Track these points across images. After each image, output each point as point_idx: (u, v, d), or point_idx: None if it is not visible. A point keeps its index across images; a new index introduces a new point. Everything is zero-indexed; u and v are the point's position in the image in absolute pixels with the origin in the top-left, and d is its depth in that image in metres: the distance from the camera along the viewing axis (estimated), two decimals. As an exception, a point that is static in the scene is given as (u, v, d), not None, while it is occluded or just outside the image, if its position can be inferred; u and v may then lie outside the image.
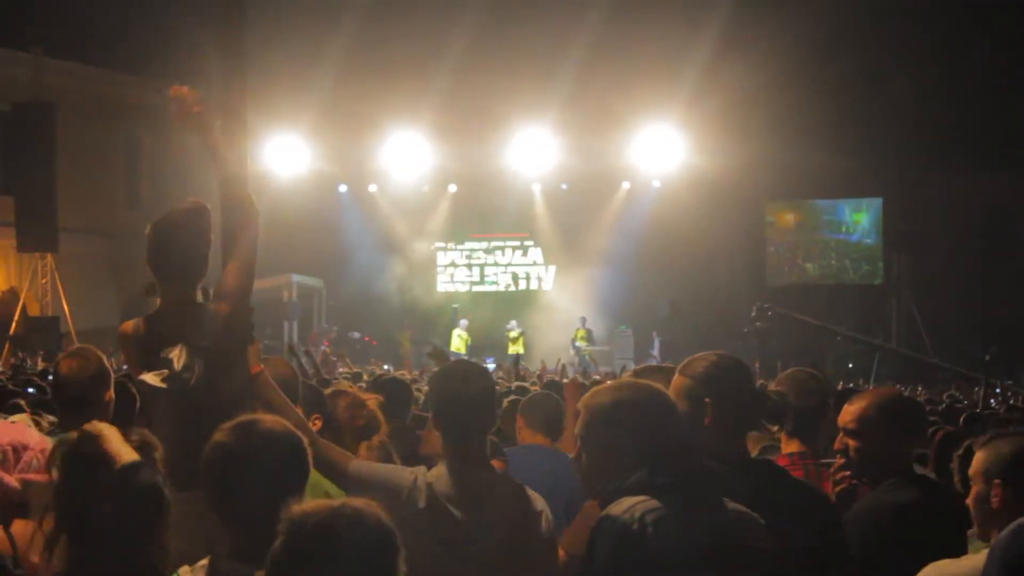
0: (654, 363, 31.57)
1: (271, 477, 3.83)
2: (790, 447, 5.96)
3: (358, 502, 3.33)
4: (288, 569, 3.24)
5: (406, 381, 9.97)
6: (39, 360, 22.90)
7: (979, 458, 4.63)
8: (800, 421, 5.76)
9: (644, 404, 4.18)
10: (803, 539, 4.37)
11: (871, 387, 6.83)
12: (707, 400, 4.51)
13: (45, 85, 30.67)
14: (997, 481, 4.45)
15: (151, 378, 5.37)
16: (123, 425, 5.29)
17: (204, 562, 3.92)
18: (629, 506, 3.91)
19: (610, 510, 3.97)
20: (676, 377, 4.64)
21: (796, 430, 5.85)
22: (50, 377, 9.25)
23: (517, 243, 38.81)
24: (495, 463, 6.15)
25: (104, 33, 32.29)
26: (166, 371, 5.33)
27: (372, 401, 7.03)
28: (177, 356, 5.31)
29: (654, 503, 3.91)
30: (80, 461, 4.04)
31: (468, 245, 39.10)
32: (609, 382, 4.74)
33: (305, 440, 4.01)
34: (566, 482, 6.26)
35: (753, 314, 31.61)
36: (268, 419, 3.97)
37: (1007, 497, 4.42)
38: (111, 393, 5.97)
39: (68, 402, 5.97)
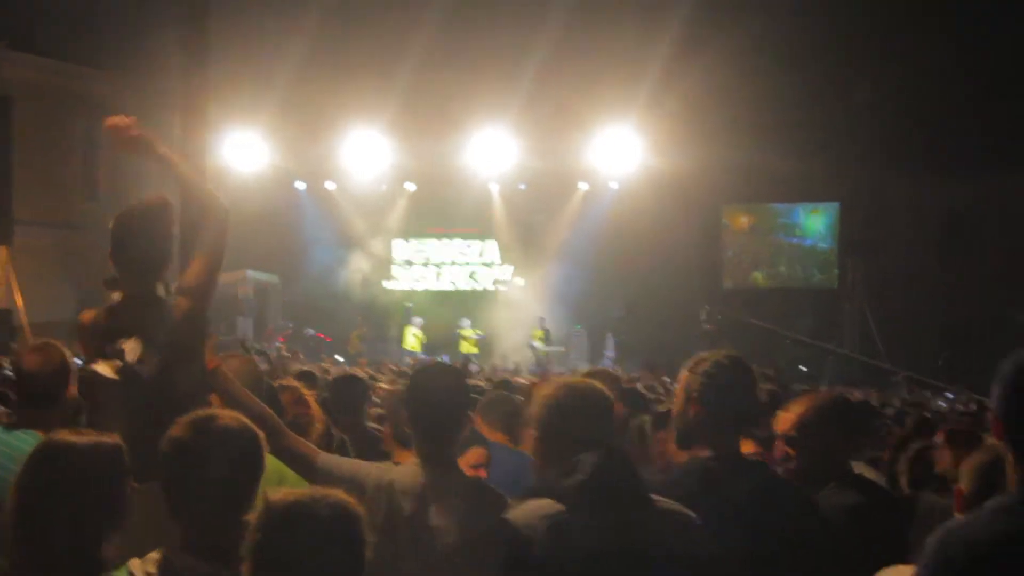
0: (608, 363, 31.76)
1: (226, 473, 3.85)
2: (746, 447, 5.98)
3: (329, 490, 3.44)
4: (263, 553, 3.35)
5: (362, 379, 10.00)
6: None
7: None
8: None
9: (573, 403, 4.24)
10: (794, 540, 4.42)
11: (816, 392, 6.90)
12: (705, 399, 4.57)
13: (3, 78, 30.49)
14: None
15: (103, 368, 5.36)
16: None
17: (155, 555, 3.90)
18: (528, 511, 3.95)
19: (511, 514, 4.00)
20: (683, 374, 4.70)
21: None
22: (7, 371, 9.21)
23: (475, 239, 38.61)
24: (476, 451, 6.22)
25: (63, 25, 32.11)
26: (119, 362, 5.33)
27: (311, 398, 7.09)
28: (131, 348, 5.31)
29: (555, 507, 3.93)
30: (45, 462, 4.08)
31: (426, 243, 38.95)
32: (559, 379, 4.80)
33: (261, 436, 4.03)
34: (527, 481, 6.30)
35: (702, 317, 31.76)
36: (225, 415, 4.00)
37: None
38: (73, 389, 5.95)
39: (31, 397, 5.96)
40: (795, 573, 4.41)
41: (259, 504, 3.47)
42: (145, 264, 5.53)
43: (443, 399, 4.97)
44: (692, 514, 4.13)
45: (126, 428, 4.94)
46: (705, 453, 4.58)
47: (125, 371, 5.30)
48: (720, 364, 4.65)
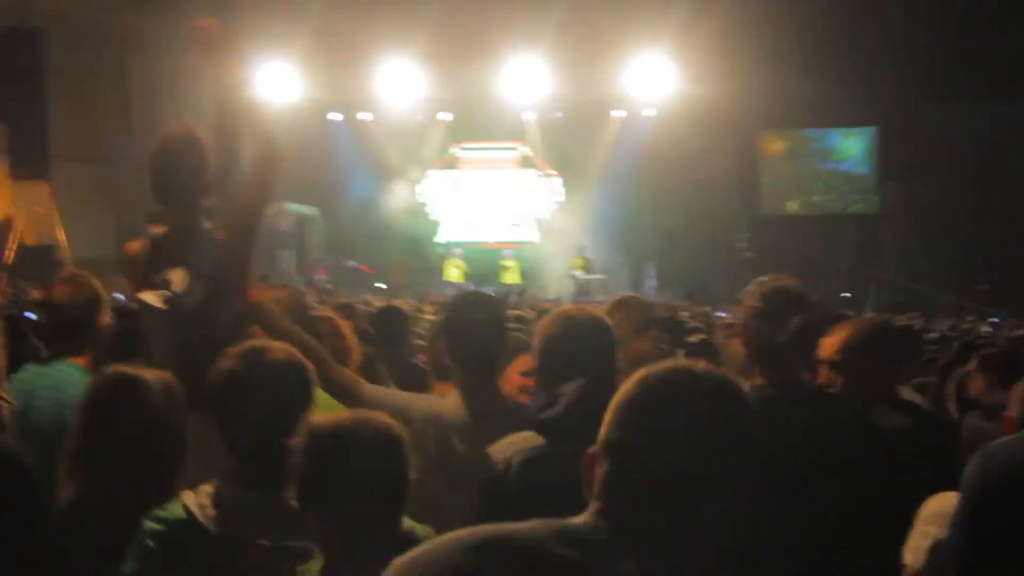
0: (651, 292, 31.78)
1: (276, 405, 3.87)
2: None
3: (372, 414, 3.60)
4: (310, 474, 3.48)
5: (403, 310, 9.95)
6: (33, 289, 22.82)
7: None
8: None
9: (563, 332, 4.19)
10: (855, 464, 4.37)
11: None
12: (751, 330, 4.52)
13: (32, 9, 30.42)
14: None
15: (151, 297, 5.40)
16: (126, 354, 5.31)
17: (207, 487, 3.93)
18: (505, 445, 3.90)
19: (491, 448, 3.96)
20: (744, 299, 4.69)
21: None
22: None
23: (513, 150, 38.35)
24: (524, 358, 6.15)
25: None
26: (167, 292, 5.33)
27: (347, 329, 7.06)
28: (178, 279, 5.31)
29: (533, 441, 3.87)
30: (104, 401, 4.15)
31: (461, 173, 38.84)
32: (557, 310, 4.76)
33: (311, 368, 4.01)
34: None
35: (742, 245, 31.68)
36: (275, 347, 4.00)
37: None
38: (105, 318, 5.93)
39: (62, 327, 5.93)
40: (853, 498, 4.35)
41: (303, 430, 3.57)
42: (185, 196, 5.52)
43: (481, 329, 4.93)
44: None
45: (175, 357, 4.97)
46: (760, 381, 4.52)
47: (172, 301, 5.34)
48: (765, 295, 4.58)
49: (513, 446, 3.92)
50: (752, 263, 30.42)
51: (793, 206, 38.10)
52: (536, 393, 4.40)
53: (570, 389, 3.94)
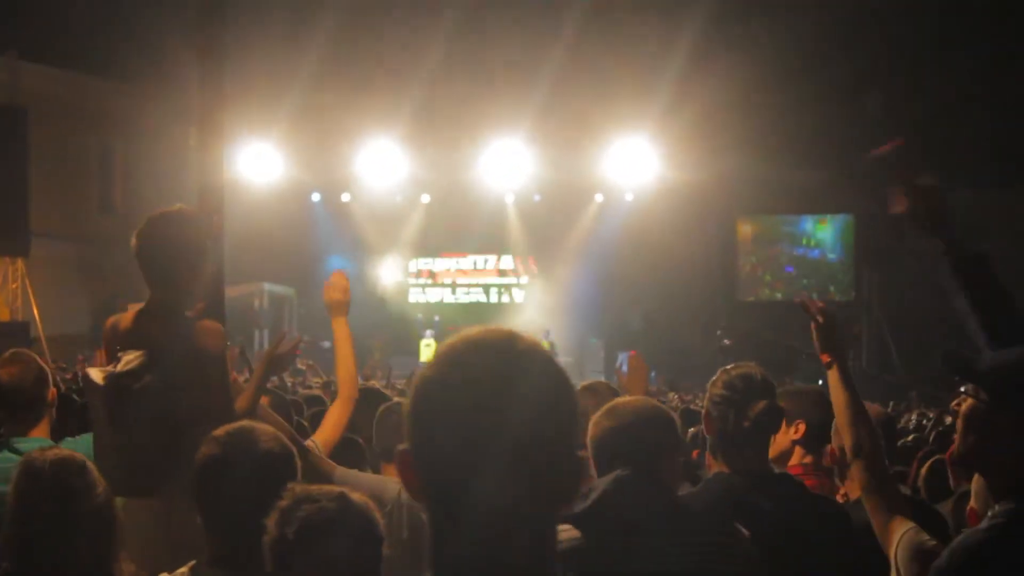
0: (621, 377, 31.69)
1: (264, 490, 3.83)
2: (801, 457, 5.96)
3: (343, 491, 3.54)
4: (287, 551, 3.43)
5: (381, 391, 9.97)
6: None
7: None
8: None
9: (611, 422, 4.18)
10: (826, 554, 4.40)
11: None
12: (717, 417, 4.55)
13: (19, 88, 30.53)
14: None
15: (94, 372, 5.37)
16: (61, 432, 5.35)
17: (184, 570, 3.89)
18: None
19: None
20: (709, 388, 4.69)
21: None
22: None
23: (492, 256, 38.78)
24: None
25: (79, 37, 32.15)
26: (108, 369, 5.32)
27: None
28: (128, 359, 5.29)
29: (569, 533, 3.87)
30: (35, 483, 4.14)
31: (440, 264, 39.10)
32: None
33: (296, 455, 4.01)
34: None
35: (719, 333, 31.72)
36: (265, 432, 3.96)
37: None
38: (53, 393, 5.96)
39: (11, 408, 5.94)
40: None
41: (280, 503, 3.52)
42: (165, 277, 5.50)
43: None
44: (742, 537, 4.07)
45: (112, 436, 4.97)
46: (725, 470, 4.56)
47: (111, 379, 5.27)
48: (730, 382, 4.63)
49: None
50: (729, 350, 30.44)
51: (767, 292, 38.21)
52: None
53: (603, 481, 3.95)
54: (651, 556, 3.88)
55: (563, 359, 32.52)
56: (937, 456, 7.94)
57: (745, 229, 38.43)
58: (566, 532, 3.85)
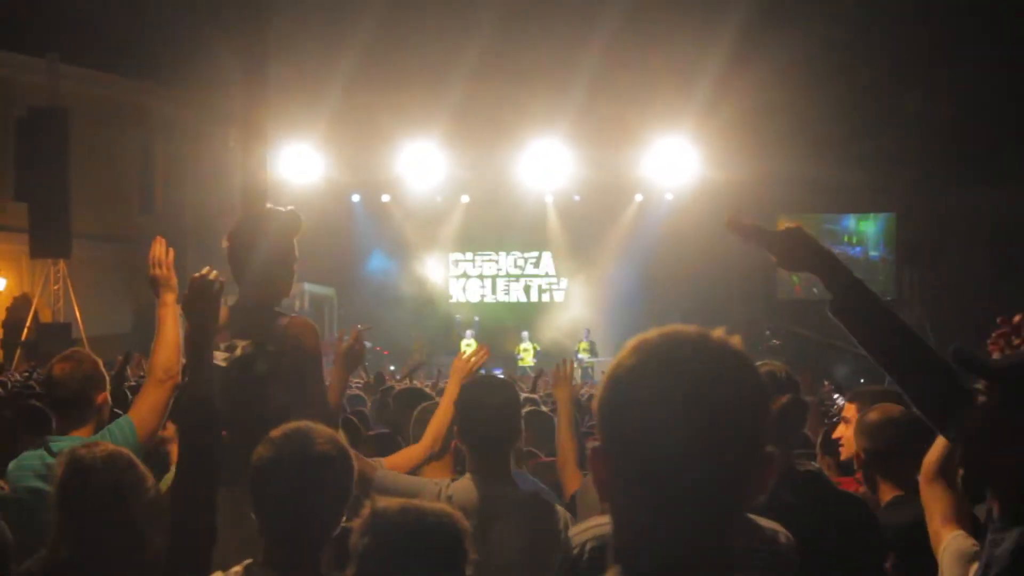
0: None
1: (321, 495, 3.82)
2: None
3: (439, 505, 3.58)
4: (375, 563, 3.41)
5: (424, 392, 10.00)
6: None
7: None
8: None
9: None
10: (850, 550, 4.38)
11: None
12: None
13: (60, 91, 30.69)
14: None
15: (218, 356, 5.41)
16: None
17: (238, 568, 3.89)
18: (583, 529, 3.88)
19: (572, 528, 3.95)
20: None
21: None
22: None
23: (532, 254, 38.81)
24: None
25: (119, 39, 32.27)
26: (228, 355, 5.37)
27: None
28: (242, 347, 5.33)
29: (608, 527, 3.87)
30: (84, 479, 4.16)
31: (479, 256, 39.13)
32: None
33: (354, 459, 4.00)
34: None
35: (767, 333, 31.64)
36: (322, 434, 3.93)
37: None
38: (105, 396, 5.98)
39: (59, 403, 6.00)
40: None
41: (367, 510, 3.48)
42: (256, 274, 5.53)
43: (491, 413, 4.93)
44: (782, 539, 4.05)
45: (231, 421, 5.00)
46: None
47: (232, 363, 5.32)
48: (766, 375, 4.62)
49: (592, 530, 3.89)
50: (777, 350, 30.38)
51: (807, 291, 38.09)
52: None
53: None
54: None
55: (603, 359, 32.90)
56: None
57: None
58: (603, 526, 3.85)
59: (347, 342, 5.95)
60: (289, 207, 5.68)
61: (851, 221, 38.04)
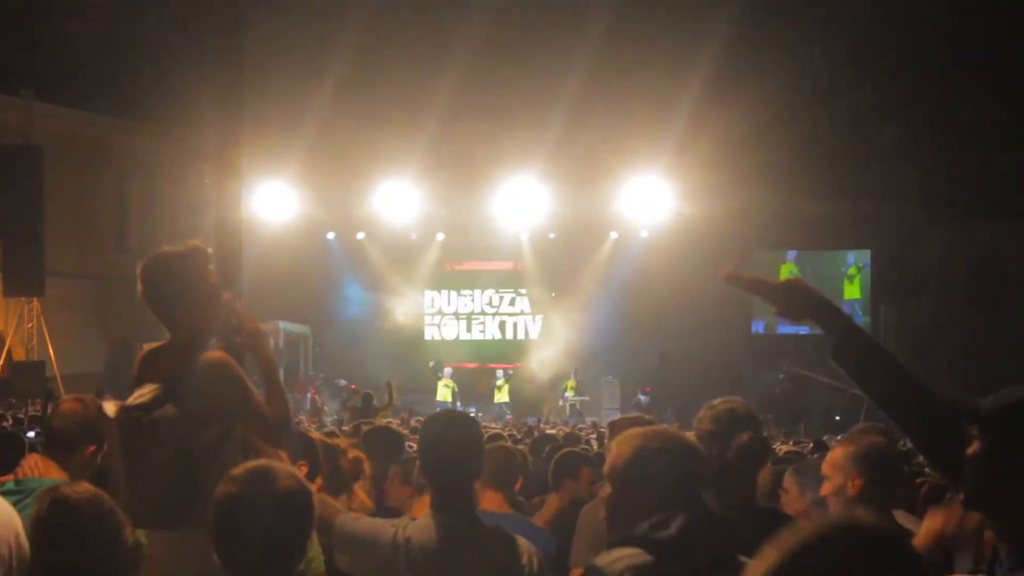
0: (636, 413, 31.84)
1: (284, 531, 3.80)
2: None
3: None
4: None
5: (395, 430, 9.91)
6: (30, 406, 22.78)
7: (837, 454, 5.16)
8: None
9: (668, 453, 4.13)
10: None
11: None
12: (707, 448, 4.53)
13: (34, 129, 30.65)
14: (855, 477, 5.12)
15: (108, 406, 5.36)
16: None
17: None
18: (615, 559, 3.86)
19: (597, 560, 3.93)
20: (696, 423, 4.68)
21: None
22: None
23: (508, 293, 38.82)
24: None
25: (92, 77, 32.26)
26: (120, 403, 5.30)
27: (346, 445, 7.04)
28: (140, 392, 5.26)
29: (642, 557, 3.84)
30: (40, 525, 4.14)
31: (455, 296, 39.13)
32: (636, 429, 4.66)
33: (313, 495, 3.97)
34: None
35: (780, 377, 31.78)
36: (282, 471, 3.91)
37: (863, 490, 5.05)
38: (93, 450, 5.96)
39: (52, 438, 6.06)
40: None
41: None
42: (169, 315, 5.46)
43: (453, 447, 4.89)
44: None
45: (126, 469, 4.97)
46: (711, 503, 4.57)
47: (122, 412, 5.24)
48: (714, 417, 4.64)
49: (623, 560, 3.87)
50: (786, 392, 30.84)
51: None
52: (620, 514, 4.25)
53: (681, 515, 3.92)
54: None
55: (581, 398, 32.93)
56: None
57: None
58: (639, 555, 3.83)
59: (242, 331, 5.80)
60: (190, 243, 5.56)
61: (828, 262, 38.16)
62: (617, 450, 4.17)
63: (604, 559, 3.88)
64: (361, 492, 6.74)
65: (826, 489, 5.22)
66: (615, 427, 6.10)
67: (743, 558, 4.00)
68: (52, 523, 4.16)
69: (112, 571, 4.15)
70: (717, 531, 4.00)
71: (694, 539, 3.88)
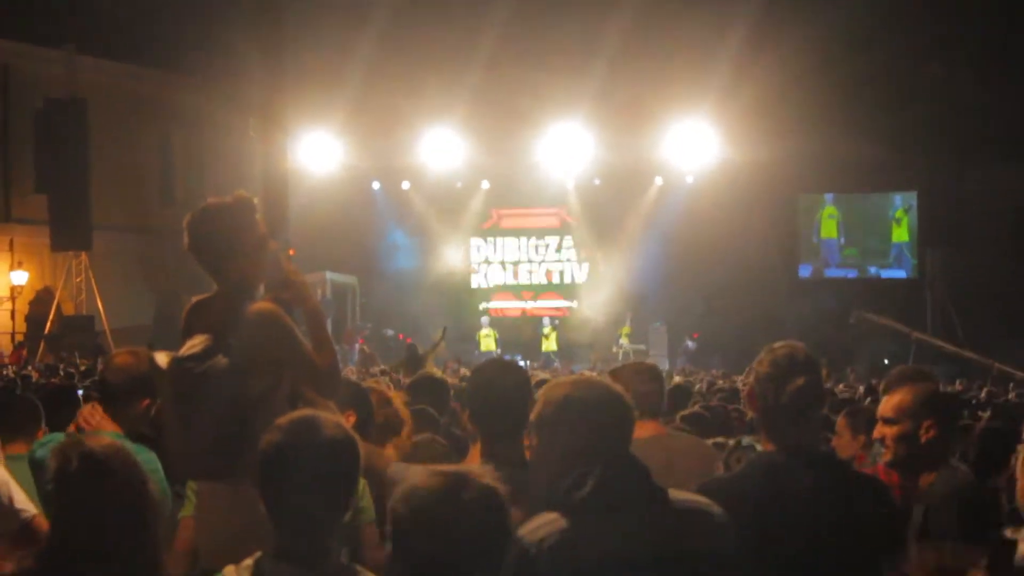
0: (685, 360, 32.02)
1: (330, 481, 3.79)
2: None
3: (476, 473, 3.60)
4: (411, 530, 3.49)
5: (441, 379, 9.87)
6: (76, 359, 22.93)
7: (906, 399, 5.05)
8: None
9: (592, 403, 4.10)
10: (868, 531, 4.35)
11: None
12: (758, 396, 4.51)
13: (78, 82, 30.74)
14: (928, 422, 4.99)
15: (160, 356, 5.35)
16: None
17: (248, 561, 3.81)
18: (535, 527, 3.83)
19: (520, 530, 3.90)
20: (754, 364, 4.65)
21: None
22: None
23: (553, 238, 38.77)
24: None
25: (136, 30, 32.32)
26: (173, 354, 5.30)
27: (397, 399, 7.01)
28: (191, 343, 5.26)
29: (561, 523, 3.80)
30: (60, 476, 4.11)
31: (501, 243, 39.10)
32: (563, 378, 4.62)
33: (360, 444, 3.95)
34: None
35: (852, 321, 31.78)
36: (327, 421, 3.89)
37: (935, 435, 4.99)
38: (147, 403, 5.97)
39: (107, 391, 6.10)
40: (868, 561, 4.39)
41: (400, 489, 3.53)
42: (217, 267, 5.44)
43: (502, 396, 4.87)
44: (716, 510, 4.03)
45: (177, 419, 4.98)
46: (770, 447, 4.53)
47: (174, 363, 5.24)
48: (773, 361, 4.57)
49: (544, 528, 3.85)
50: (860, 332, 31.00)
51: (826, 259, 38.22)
52: (545, 469, 4.23)
53: (596, 469, 3.89)
54: (644, 535, 3.87)
55: (638, 346, 32.97)
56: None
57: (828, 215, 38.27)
58: (558, 521, 3.82)
59: (287, 284, 5.77)
60: (236, 193, 5.53)
61: (876, 202, 37.98)
62: (544, 399, 4.15)
63: (525, 528, 3.87)
64: (391, 447, 6.71)
65: (887, 433, 5.16)
66: (617, 375, 6.14)
67: (675, 496, 3.99)
68: (78, 477, 4.14)
69: (138, 525, 4.13)
70: (636, 480, 3.97)
71: (610, 493, 3.84)
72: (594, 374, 6.36)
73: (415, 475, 3.50)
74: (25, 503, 5.30)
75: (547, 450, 4.10)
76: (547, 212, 38.55)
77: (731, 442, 7.63)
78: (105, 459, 4.11)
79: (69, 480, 4.08)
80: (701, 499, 4.07)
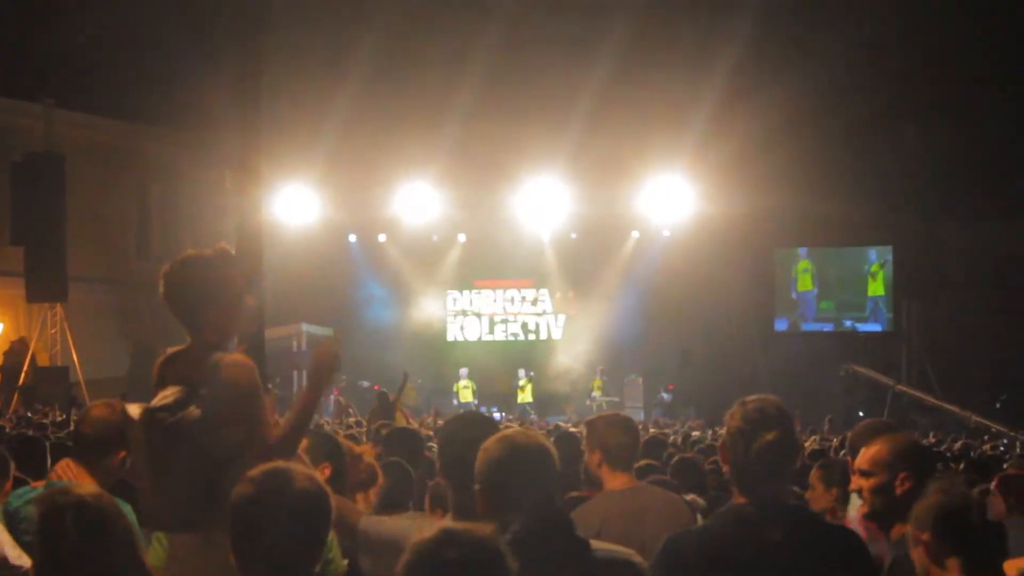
0: (660, 413, 32.04)
1: (300, 533, 3.80)
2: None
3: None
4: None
5: (416, 432, 9.90)
6: (54, 412, 22.86)
7: (882, 451, 5.07)
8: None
9: (508, 459, 4.15)
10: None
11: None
12: (731, 449, 4.55)
13: (55, 136, 30.76)
14: (903, 474, 4.99)
15: (132, 408, 5.35)
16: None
17: None
18: None
19: None
20: (726, 418, 4.68)
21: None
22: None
23: (529, 292, 38.79)
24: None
25: (113, 84, 32.36)
26: (144, 405, 5.30)
27: (368, 453, 7.02)
28: (164, 394, 5.26)
29: None
30: (42, 528, 4.12)
31: (477, 295, 39.08)
32: (506, 431, 4.66)
33: (332, 497, 3.97)
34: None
35: (841, 374, 31.90)
36: (300, 473, 3.91)
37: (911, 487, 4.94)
38: (123, 456, 5.98)
39: (81, 442, 6.13)
40: None
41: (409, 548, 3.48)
42: (192, 319, 5.45)
43: (471, 448, 4.88)
44: (637, 559, 4.16)
45: (149, 471, 4.98)
46: (742, 501, 4.56)
47: (145, 414, 5.25)
48: (744, 415, 4.61)
49: None
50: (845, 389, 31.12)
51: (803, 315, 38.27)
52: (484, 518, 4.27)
53: (521, 517, 3.96)
54: None
55: (612, 398, 32.91)
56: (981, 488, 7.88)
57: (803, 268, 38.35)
58: None
59: (321, 349, 5.78)
60: (217, 245, 5.54)
61: (850, 258, 38.09)
62: (480, 452, 4.21)
63: None
64: (361, 500, 6.72)
65: (864, 485, 5.18)
66: (591, 426, 6.22)
67: (598, 547, 4.04)
68: (72, 529, 4.12)
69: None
70: (557, 530, 4.03)
71: (529, 545, 3.89)
72: (568, 426, 6.38)
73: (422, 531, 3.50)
74: (20, 559, 5.31)
75: (484, 502, 4.18)
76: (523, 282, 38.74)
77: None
78: (99, 510, 4.12)
79: (62, 533, 4.09)
80: (623, 550, 4.22)
